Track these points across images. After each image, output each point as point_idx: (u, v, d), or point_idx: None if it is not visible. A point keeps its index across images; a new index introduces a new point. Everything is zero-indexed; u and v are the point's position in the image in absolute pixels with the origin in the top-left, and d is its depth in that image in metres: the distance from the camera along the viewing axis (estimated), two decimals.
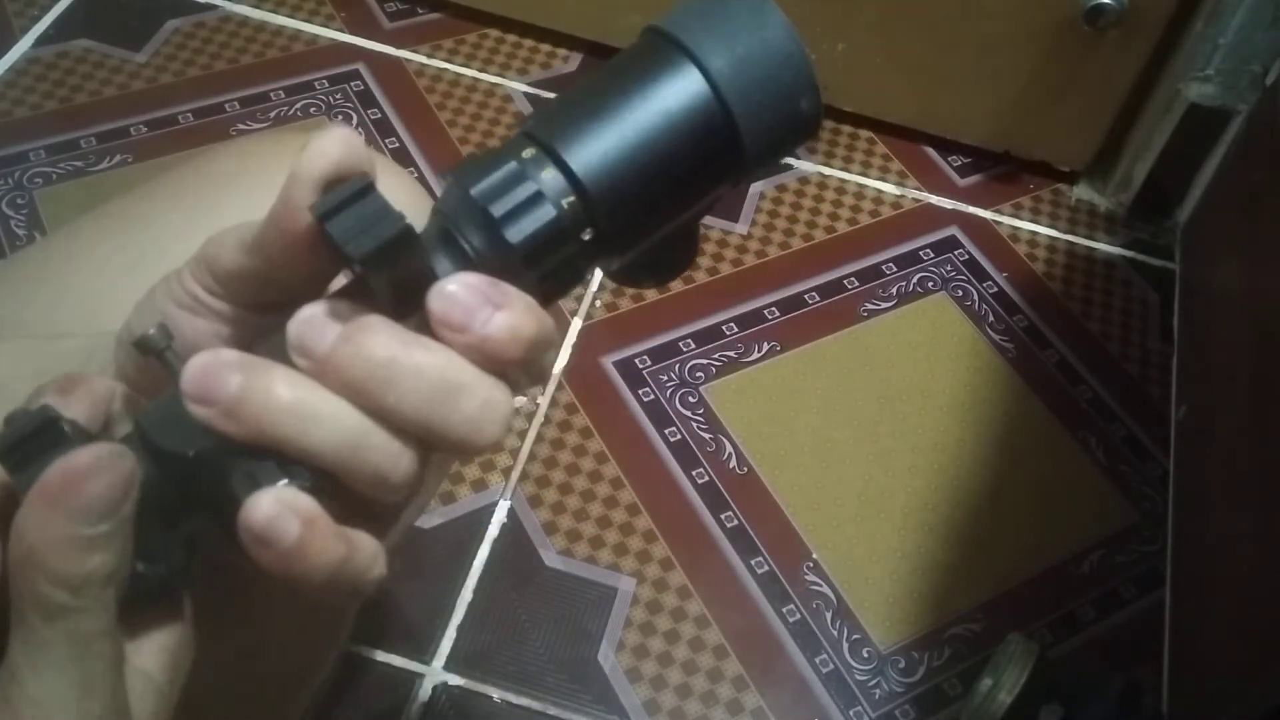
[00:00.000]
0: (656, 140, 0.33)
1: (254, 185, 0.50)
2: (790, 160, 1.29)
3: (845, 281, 1.18)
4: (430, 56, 1.32)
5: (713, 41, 0.34)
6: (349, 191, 0.29)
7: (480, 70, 1.31)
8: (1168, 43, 1.17)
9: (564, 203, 0.32)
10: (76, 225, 0.50)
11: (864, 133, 1.33)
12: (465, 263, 0.31)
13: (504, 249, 0.31)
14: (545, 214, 0.31)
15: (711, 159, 0.34)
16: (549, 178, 0.32)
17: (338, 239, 0.28)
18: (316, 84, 1.26)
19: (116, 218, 0.50)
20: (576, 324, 1.11)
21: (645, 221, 0.34)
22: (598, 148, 0.32)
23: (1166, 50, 1.18)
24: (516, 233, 0.31)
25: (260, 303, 0.32)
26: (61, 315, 0.46)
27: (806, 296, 1.16)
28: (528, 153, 0.32)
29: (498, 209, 0.31)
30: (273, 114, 1.22)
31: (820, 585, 0.97)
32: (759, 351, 1.11)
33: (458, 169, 0.32)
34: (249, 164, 0.51)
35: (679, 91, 0.33)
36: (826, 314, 1.15)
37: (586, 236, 0.32)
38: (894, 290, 1.18)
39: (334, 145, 0.30)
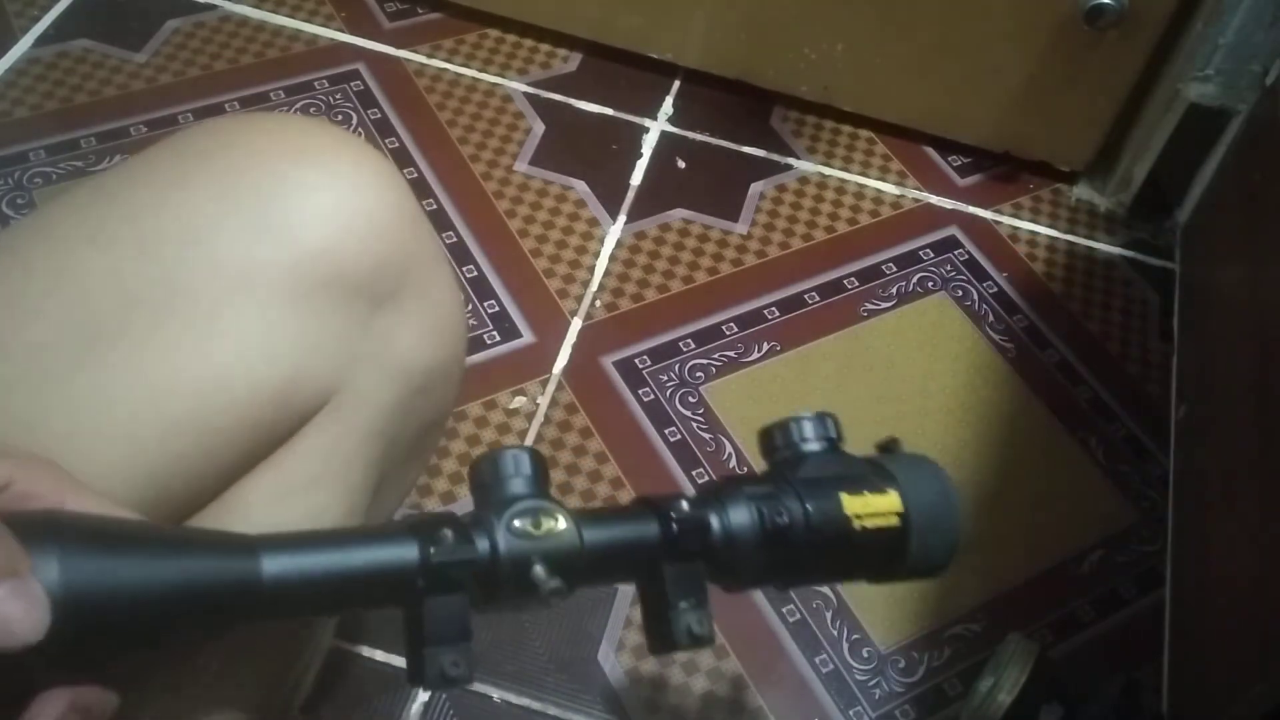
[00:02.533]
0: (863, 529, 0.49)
1: (224, 162, 0.50)
2: (790, 160, 1.29)
3: (845, 281, 1.18)
4: (430, 56, 1.32)
5: (916, 486, 0.51)
6: None
7: (480, 70, 1.31)
8: (1168, 43, 1.18)
9: (799, 531, 0.48)
10: (45, 208, 0.49)
11: (864, 133, 1.33)
12: (727, 531, 0.47)
13: (763, 530, 0.47)
14: (788, 524, 0.48)
15: (881, 555, 0.50)
16: (795, 511, 0.48)
17: None
18: (316, 84, 1.26)
19: (86, 197, 0.49)
20: (576, 324, 1.11)
21: (814, 575, 0.54)
22: (827, 510, 0.48)
23: (1166, 50, 1.18)
24: (769, 516, 0.48)
25: None
26: (31, 291, 0.46)
27: (806, 296, 1.16)
28: (784, 488, 0.49)
29: (765, 506, 0.48)
30: (260, 109, 1.22)
31: (820, 586, 0.97)
32: (759, 351, 1.11)
33: (740, 478, 0.50)
34: (221, 141, 0.51)
35: (881, 504, 0.49)
36: (826, 314, 1.15)
37: (791, 560, 0.48)
38: (894, 290, 1.18)
39: None
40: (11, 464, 0.37)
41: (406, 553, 0.40)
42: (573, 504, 0.98)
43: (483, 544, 0.41)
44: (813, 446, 0.50)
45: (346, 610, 0.43)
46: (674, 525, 0.44)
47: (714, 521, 0.46)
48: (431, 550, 0.40)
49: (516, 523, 0.42)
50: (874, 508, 0.48)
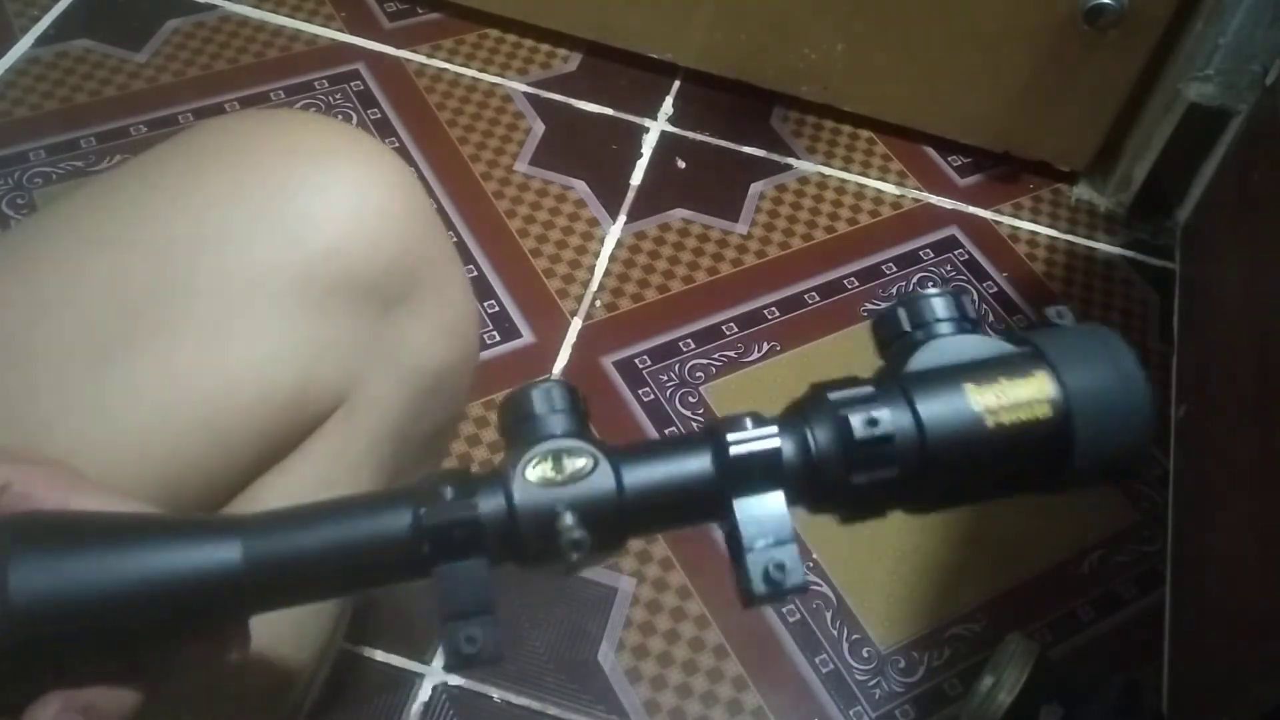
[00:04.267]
0: (999, 427, 0.37)
1: (235, 161, 0.49)
2: (790, 160, 1.29)
3: (845, 281, 1.18)
4: (430, 56, 1.32)
5: (1078, 362, 0.38)
6: None
7: (480, 70, 1.31)
8: (1168, 43, 1.17)
9: (907, 440, 0.37)
10: (58, 208, 0.49)
11: (864, 133, 1.33)
12: (806, 452, 0.37)
13: (848, 447, 0.36)
14: (886, 434, 0.36)
15: (1034, 459, 0.37)
16: (900, 414, 0.37)
17: None
18: (316, 84, 1.26)
19: (98, 198, 0.49)
20: (576, 324, 1.11)
21: (955, 493, 0.38)
22: (946, 409, 0.37)
23: (1166, 50, 1.18)
24: (859, 427, 0.36)
25: None
26: (45, 295, 0.46)
27: (806, 296, 1.16)
28: (888, 385, 0.38)
29: (852, 415, 0.37)
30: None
31: (820, 585, 0.97)
32: (759, 351, 1.11)
33: (829, 383, 0.39)
34: (232, 141, 0.51)
35: (1031, 390, 0.37)
36: (826, 314, 1.15)
37: (909, 477, 0.36)
38: (894, 290, 1.18)
39: None
40: (10, 467, 0.37)
41: (401, 518, 0.35)
42: None
43: (494, 499, 0.35)
44: (940, 329, 0.40)
45: (349, 592, 0.38)
46: (732, 457, 0.36)
47: (787, 445, 0.37)
48: (422, 511, 0.35)
49: (533, 469, 0.35)
50: (1014, 397, 0.37)
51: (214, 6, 1.32)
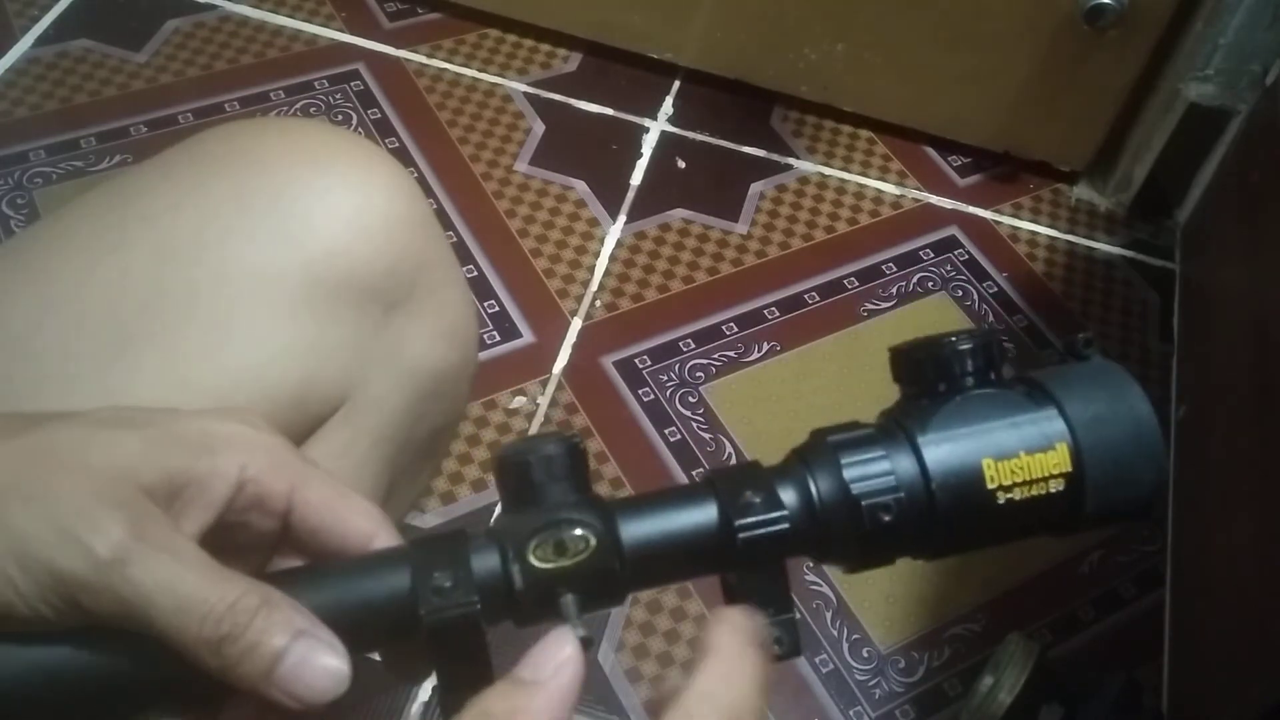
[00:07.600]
0: (1010, 503, 0.36)
1: (238, 166, 0.50)
2: (790, 160, 1.29)
3: (845, 281, 1.18)
4: (430, 56, 1.32)
5: (1080, 400, 0.38)
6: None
7: (480, 70, 1.31)
8: (1168, 43, 1.18)
9: (910, 488, 0.35)
10: (65, 211, 0.49)
11: (864, 133, 1.33)
12: (807, 499, 0.36)
13: (848, 501, 0.35)
14: (888, 484, 0.35)
15: (1038, 524, 0.37)
16: (905, 462, 0.36)
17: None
18: (316, 84, 1.26)
19: (105, 201, 0.50)
20: (576, 324, 1.11)
21: (964, 541, 0.37)
22: (955, 453, 0.36)
23: (1166, 50, 1.18)
24: (859, 487, 0.35)
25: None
26: (52, 295, 0.46)
27: (806, 296, 1.16)
28: (893, 433, 0.37)
29: (850, 470, 0.36)
30: (273, 114, 1.22)
31: (820, 585, 0.97)
32: (759, 351, 1.11)
33: (827, 429, 0.38)
34: (236, 146, 0.51)
35: (1049, 465, 0.36)
36: (826, 314, 1.15)
37: (916, 534, 0.36)
38: (894, 290, 1.18)
39: None
40: (243, 451, 0.35)
41: (404, 607, 0.36)
42: None
43: (494, 583, 0.36)
44: (965, 384, 0.38)
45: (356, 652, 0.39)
46: (741, 543, 0.35)
47: (790, 497, 0.36)
48: (423, 612, 0.35)
49: (535, 553, 0.35)
50: (1030, 473, 0.36)
51: (214, 6, 1.32)
